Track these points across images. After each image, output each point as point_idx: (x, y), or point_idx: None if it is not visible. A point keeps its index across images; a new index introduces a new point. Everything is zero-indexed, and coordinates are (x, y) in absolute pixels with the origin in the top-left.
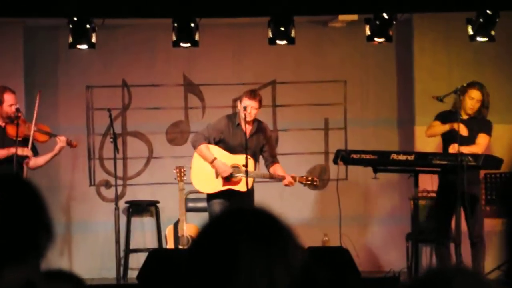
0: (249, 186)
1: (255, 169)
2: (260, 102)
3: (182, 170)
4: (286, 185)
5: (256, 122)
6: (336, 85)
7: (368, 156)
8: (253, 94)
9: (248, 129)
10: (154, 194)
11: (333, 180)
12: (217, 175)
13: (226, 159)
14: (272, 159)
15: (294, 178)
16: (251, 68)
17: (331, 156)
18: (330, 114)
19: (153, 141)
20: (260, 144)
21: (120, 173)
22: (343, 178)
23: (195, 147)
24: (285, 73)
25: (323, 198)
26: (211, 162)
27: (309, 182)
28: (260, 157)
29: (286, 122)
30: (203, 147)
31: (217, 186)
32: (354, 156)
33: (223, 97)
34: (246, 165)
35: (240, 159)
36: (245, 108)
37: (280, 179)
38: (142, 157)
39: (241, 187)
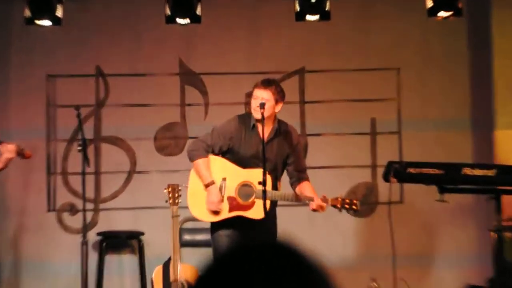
0: (267, 212)
1: (275, 188)
2: (278, 93)
3: (176, 189)
4: (314, 210)
5: (277, 123)
6: (387, 74)
7: (431, 171)
8: (265, 82)
9: (265, 132)
10: (137, 223)
11: (383, 203)
12: (222, 198)
13: (235, 176)
14: (299, 175)
15: (325, 200)
16: (271, 52)
17: (380, 171)
18: (378, 113)
19: (136, 149)
20: (283, 154)
21: (90, 193)
22: (397, 201)
23: (192, 159)
24: (317, 58)
25: (369, 228)
26: (206, 186)
27: (347, 207)
28: (284, 173)
29: (318, 125)
30: (201, 162)
31: (223, 212)
32: (411, 170)
33: (233, 91)
34: (263, 183)
35: (255, 174)
36: (253, 99)
37: (308, 201)
38: (122, 172)
39: (256, 213)
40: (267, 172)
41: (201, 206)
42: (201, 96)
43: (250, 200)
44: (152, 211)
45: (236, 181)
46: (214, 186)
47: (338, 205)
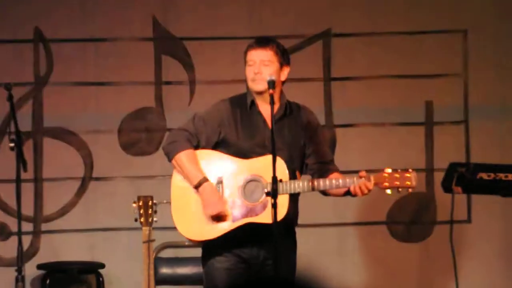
0: (284, 213)
1: (292, 178)
2: (281, 53)
3: (150, 203)
4: (354, 194)
5: (285, 98)
6: (447, 38)
7: (511, 177)
8: (262, 40)
9: (267, 111)
10: (95, 251)
11: (442, 223)
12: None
13: (236, 171)
14: (324, 167)
15: (367, 178)
16: (283, 9)
17: (439, 176)
18: (436, 94)
19: (93, 147)
20: (298, 141)
21: (28, 209)
22: (462, 220)
23: (170, 155)
24: (348, 16)
25: (423, 257)
26: (196, 186)
27: (397, 184)
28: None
29: (350, 111)
30: (184, 156)
31: (226, 223)
32: (483, 176)
33: (231, 63)
34: (274, 171)
35: (263, 163)
36: (248, 66)
37: (343, 188)
38: (73, 179)
39: (268, 216)
40: (278, 158)
41: (193, 220)
42: (184, 70)
43: (262, 198)
44: (115, 234)
45: (239, 177)
46: (209, 184)
47: (386, 184)
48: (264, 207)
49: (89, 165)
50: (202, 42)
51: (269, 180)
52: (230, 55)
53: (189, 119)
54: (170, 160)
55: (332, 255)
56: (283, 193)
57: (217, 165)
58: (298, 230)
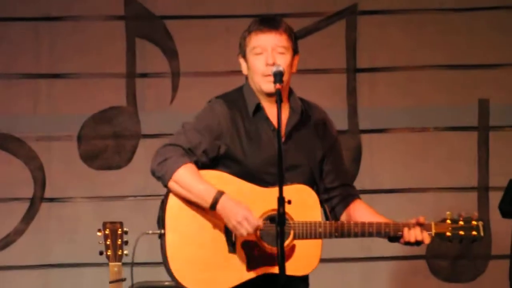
0: (314, 265)
1: (326, 212)
2: (294, 37)
3: (119, 232)
4: (409, 243)
5: (297, 98)
6: (508, 16)
7: None
8: (272, 21)
9: (274, 113)
10: None
11: (499, 257)
12: (233, 245)
13: (249, 203)
14: (345, 191)
15: (425, 226)
16: None
17: (495, 196)
18: (492, 91)
19: (46, 157)
20: (315, 155)
21: None
22: None
23: (166, 178)
24: None
25: None
26: (213, 203)
27: (461, 234)
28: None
29: (380, 112)
30: (185, 171)
31: (238, 274)
32: None
33: (227, 51)
34: (280, 201)
35: (291, 193)
36: (255, 55)
37: (390, 234)
38: (19, 200)
39: (298, 266)
40: (299, 185)
41: (204, 265)
42: (165, 59)
43: (288, 242)
44: (75, 271)
45: (255, 211)
46: (226, 196)
47: (448, 234)
48: (291, 254)
49: (40, 182)
50: (188, 21)
51: (299, 218)
52: (224, 39)
53: (177, 132)
54: (166, 183)
55: None
56: (305, 237)
57: (227, 192)
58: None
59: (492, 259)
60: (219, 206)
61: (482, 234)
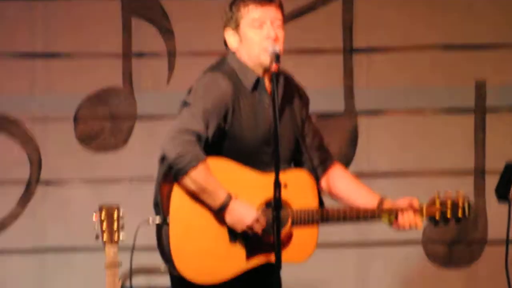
0: (310, 252)
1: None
2: (283, 11)
3: (115, 215)
4: (400, 228)
5: (281, 74)
6: None
7: None
8: None
9: (268, 88)
10: (45, 275)
11: (494, 242)
12: (234, 235)
13: (248, 190)
14: (323, 156)
15: (417, 208)
16: None
17: (492, 180)
18: (489, 72)
19: (42, 139)
20: (298, 124)
21: None
22: None
23: (182, 172)
24: None
25: (471, 286)
26: (222, 207)
27: (448, 217)
28: None
29: (377, 94)
30: (203, 171)
31: (236, 264)
32: None
33: (219, 32)
34: (276, 183)
35: (288, 178)
36: (257, 28)
37: (382, 215)
38: (15, 182)
39: (296, 253)
40: (287, 170)
41: (205, 256)
42: (161, 38)
43: (284, 229)
44: (70, 255)
45: (255, 199)
46: (235, 201)
47: (437, 217)
48: (289, 241)
49: (36, 164)
50: (184, 1)
51: (296, 203)
52: (221, 18)
53: (186, 112)
54: (179, 176)
55: (352, 283)
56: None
57: (227, 181)
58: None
59: (488, 244)
60: (227, 211)
61: (467, 214)
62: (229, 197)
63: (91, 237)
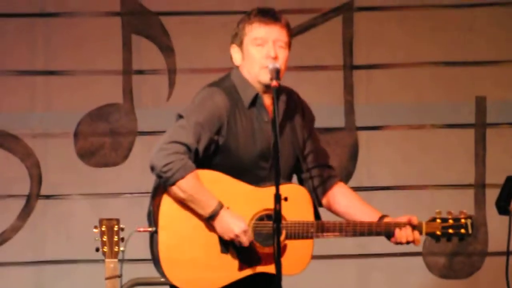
0: (306, 264)
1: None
2: (290, 35)
3: (115, 228)
4: (398, 241)
5: (283, 91)
6: (506, 13)
7: None
8: (273, 13)
9: (267, 105)
10: None
11: (494, 254)
12: (226, 245)
13: (243, 202)
14: (326, 173)
15: (416, 225)
16: None
17: (492, 194)
18: (489, 88)
19: (42, 154)
20: (299, 142)
21: None
22: None
23: (170, 181)
24: None
25: None
26: (212, 215)
27: (451, 232)
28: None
29: (378, 109)
30: (192, 179)
31: (229, 272)
32: None
33: (225, 47)
34: (276, 198)
35: (284, 193)
36: (257, 46)
37: (381, 234)
38: (15, 197)
39: (291, 265)
40: (287, 183)
41: (194, 265)
42: (161, 55)
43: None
44: (70, 268)
45: (247, 211)
46: (226, 210)
47: (438, 233)
48: (282, 253)
49: (36, 179)
50: (184, 18)
51: (291, 218)
52: (221, 35)
53: (179, 124)
54: (167, 186)
55: None
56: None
57: (219, 193)
58: (310, 262)
59: (488, 255)
60: (217, 219)
61: (470, 231)
62: (220, 206)
63: (91, 250)
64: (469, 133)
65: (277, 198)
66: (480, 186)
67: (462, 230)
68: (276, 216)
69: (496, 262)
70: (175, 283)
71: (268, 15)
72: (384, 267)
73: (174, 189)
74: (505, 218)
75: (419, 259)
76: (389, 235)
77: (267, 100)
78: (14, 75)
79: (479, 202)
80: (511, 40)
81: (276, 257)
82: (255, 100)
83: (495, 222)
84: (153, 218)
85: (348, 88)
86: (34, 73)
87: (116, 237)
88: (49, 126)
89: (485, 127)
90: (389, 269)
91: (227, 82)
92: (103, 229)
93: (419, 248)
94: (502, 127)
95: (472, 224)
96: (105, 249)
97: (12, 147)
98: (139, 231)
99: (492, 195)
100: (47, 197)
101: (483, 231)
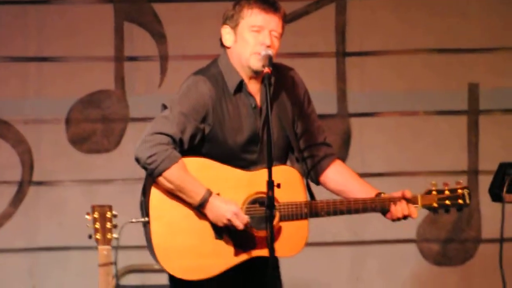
0: (302, 245)
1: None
2: (284, 24)
3: (108, 215)
4: (396, 219)
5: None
6: (498, 1)
7: None
8: (274, 3)
9: (254, 90)
10: (36, 277)
11: (488, 241)
12: (219, 231)
13: (234, 187)
14: (322, 151)
15: (411, 199)
16: None
17: (485, 181)
18: (482, 75)
19: (34, 141)
20: (289, 119)
21: None
22: None
23: (155, 173)
24: None
25: (465, 284)
26: (201, 203)
27: (448, 204)
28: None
29: (370, 96)
30: (175, 171)
31: (224, 259)
32: None
33: (217, 33)
34: (269, 184)
35: (274, 176)
36: (255, 31)
37: (376, 210)
38: (7, 183)
39: (286, 247)
40: (279, 165)
41: (187, 252)
42: (153, 42)
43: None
44: (63, 254)
45: (239, 196)
46: (215, 197)
47: (434, 205)
48: (278, 235)
49: (28, 165)
50: (176, 4)
51: (284, 199)
52: (215, 23)
53: (162, 115)
54: (154, 177)
55: (346, 281)
56: (291, 218)
57: (209, 180)
58: (304, 250)
59: (482, 242)
60: (208, 206)
61: (468, 201)
62: (209, 193)
63: (84, 237)
64: (462, 120)
65: (270, 184)
66: (473, 173)
67: (460, 201)
68: (269, 203)
69: (489, 249)
70: (172, 272)
71: (269, 3)
72: (378, 254)
73: (161, 180)
74: (498, 205)
75: (413, 246)
76: (385, 211)
77: (253, 86)
78: (6, 62)
79: (472, 189)
80: (503, 27)
81: (270, 246)
82: (240, 87)
83: (489, 209)
84: (144, 208)
85: (341, 75)
86: (26, 60)
87: (109, 223)
88: (41, 112)
89: (478, 114)
90: (383, 256)
91: (213, 68)
92: (95, 216)
93: (413, 235)
94: (495, 114)
95: (469, 194)
96: (98, 236)
97: (3, 134)
98: (132, 222)
99: (485, 181)
100: (39, 183)
101: (476, 218)
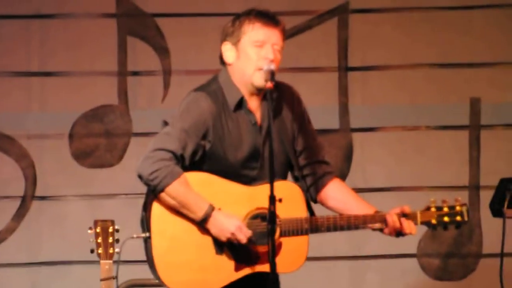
0: (301, 262)
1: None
2: (285, 37)
3: (110, 230)
4: (392, 232)
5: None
6: (501, 15)
7: None
8: (273, 17)
9: (254, 106)
10: None
11: (489, 256)
12: (220, 246)
13: (235, 202)
14: (321, 169)
15: (411, 215)
16: None
17: (486, 196)
18: (484, 90)
19: (37, 156)
20: (288, 138)
21: None
22: None
23: (158, 189)
24: None
25: None
26: (204, 218)
27: (446, 220)
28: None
29: (372, 111)
30: (177, 187)
31: (225, 273)
32: None
33: (219, 49)
34: (271, 199)
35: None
36: (258, 46)
37: (373, 225)
38: (10, 198)
39: (286, 263)
40: (282, 181)
41: (189, 268)
42: (156, 57)
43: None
44: (65, 269)
45: (240, 211)
46: (218, 212)
47: (433, 222)
48: (278, 251)
49: (31, 179)
50: (180, 19)
51: (285, 215)
52: (216, 37)
53: (164, 132)
54: (157, 193)
55: None
56: (292, 234)
57: (211, 195)
58: (304, 264)
59: (483, 257)
60: (210, 221)
61: (466, 218)
62: (211, 208)
63: (86, 251)
64: (463, 134)
65: (272, 199)
66: (474, 188)
67: (458, 218)
68: (270, 218)
69: (490, 264)
70: (173, 287)
71: (269, 17)
72: (378, 269)
73: (163, 196)
74: (499, 220)
75: (414, 261)
76: (382, 228)
77: (254, 103)
78: (9, 76)
79: (473, 204)
80: (505, 41)
81: (271, 261)
82: (240, 104)
83: (489, 224)
84: (146, 224)
85: (343, 90)
86: (30, 74)
87: (111, 238)
88: (44, 127)
89: (479, 128)
90: (384, 271)
91: (214, 85)
92: (98, 230)
93: (413, 250)
94: (496, 129)
95: (467, 211)
96: (100, 250)
97: (7, 148)
98: (133, 237)
99: (486, 197)
100: (42, 198)
101: (477, 233)
